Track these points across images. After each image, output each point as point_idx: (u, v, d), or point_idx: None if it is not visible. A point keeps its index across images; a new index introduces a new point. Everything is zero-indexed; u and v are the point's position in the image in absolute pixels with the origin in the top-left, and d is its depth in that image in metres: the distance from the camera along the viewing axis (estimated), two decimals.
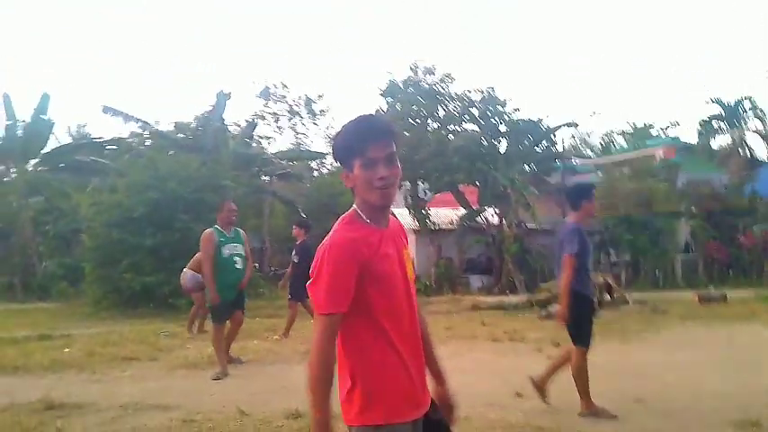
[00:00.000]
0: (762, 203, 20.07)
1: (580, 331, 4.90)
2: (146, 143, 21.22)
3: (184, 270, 9.39)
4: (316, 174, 31.35)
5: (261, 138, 26.16)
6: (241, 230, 7.09)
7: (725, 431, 4.32)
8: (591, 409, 4.77)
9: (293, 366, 6.59)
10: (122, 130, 24.82)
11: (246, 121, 25.20)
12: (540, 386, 5.09)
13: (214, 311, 6.60)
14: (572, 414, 4.81)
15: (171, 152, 19.14)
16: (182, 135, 21.34)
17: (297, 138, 27.81)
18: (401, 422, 1.96)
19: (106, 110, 20.03)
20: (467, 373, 6.20)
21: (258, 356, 7.57)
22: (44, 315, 13.35)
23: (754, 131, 23.21)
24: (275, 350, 7.99)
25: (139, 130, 21.71)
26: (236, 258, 6.65)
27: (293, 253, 9.33)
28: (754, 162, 22.05)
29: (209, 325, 8.38)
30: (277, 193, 23.22)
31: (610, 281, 13.58)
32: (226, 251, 6.56)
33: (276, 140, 30.46)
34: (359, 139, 1.93)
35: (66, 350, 8.08)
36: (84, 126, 36.98)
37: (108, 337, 9.00)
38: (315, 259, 1.94)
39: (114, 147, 21.63)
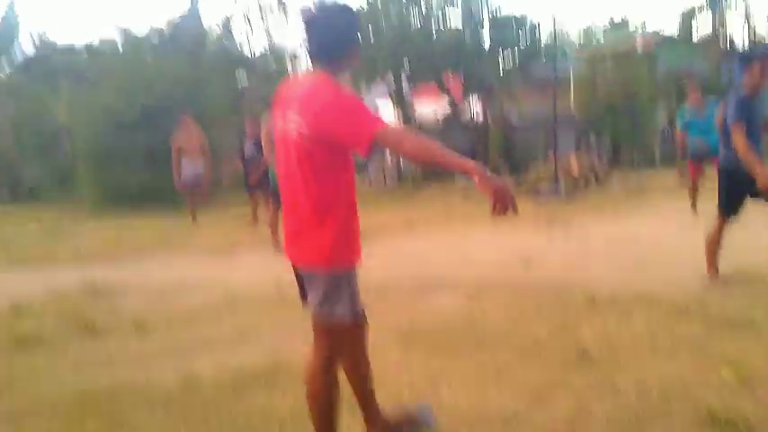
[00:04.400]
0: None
1: (722, 201, 4.76)
2: (119, 49, 20.60)
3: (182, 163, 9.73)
4: (290, 73, 30.68)
5: (238, 38, 25.38)
6: None
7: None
8: (711, 274, 4.79)
9: None
10: (90, 37, 23.90)
11: (219, 23, 24.41)
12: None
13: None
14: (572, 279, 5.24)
15: (149, 57, 18.67)
16: (157, 41, 20.70)
17: (269, 36, 27.00)
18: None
19: (75, 15, 19.20)
20: (476, 248, 6.64)
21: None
22: (43, 215, 13.48)
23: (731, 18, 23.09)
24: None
25: (110, 37, 21.00)
26: None
27: (248, 144, 9.16)
28: (732, 50, 22.10)
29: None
30: (257, 93, 22.86)
31: (594, 163, 14.03)
32: None
33: (252, 40, 29.66)
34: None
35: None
36: (46, 34, 35.24)
37: (120, 232, 9.29)
38: (340, 107, 2.05)
39: (85, 54, 21.06)
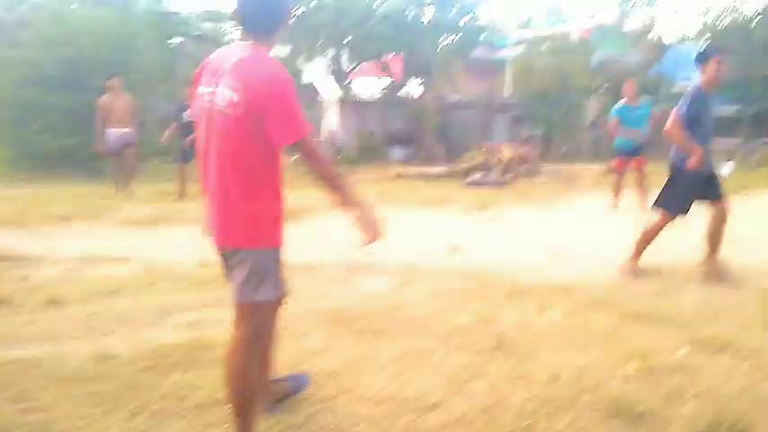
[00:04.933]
0: (664, 84, 21.26)
1: (671, 197, 4.84)
2: None
3: (107, 131, 9.25)
4: (228, 37, 29.78)
5: None
6: None
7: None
8: (633, 269, 4.93)
9: None
10: None
11: None
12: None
13: None
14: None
15: (73, 6, 17.63)
16: None
17: None
18: None
19: None
20: (405, 233, 6.68)
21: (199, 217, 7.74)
22: None
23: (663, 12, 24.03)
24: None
25: None
26: None
27: (182, 112, 8.78)
28: (662, 45, 23.01)
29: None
30: (193, 56, 22.08)
31: (526, 152, 14.35)
32: None
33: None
34: None
35: None
36: None
37: (36, 198, 8.81)
38: (277, 92, 2.06)
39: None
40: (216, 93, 2.11)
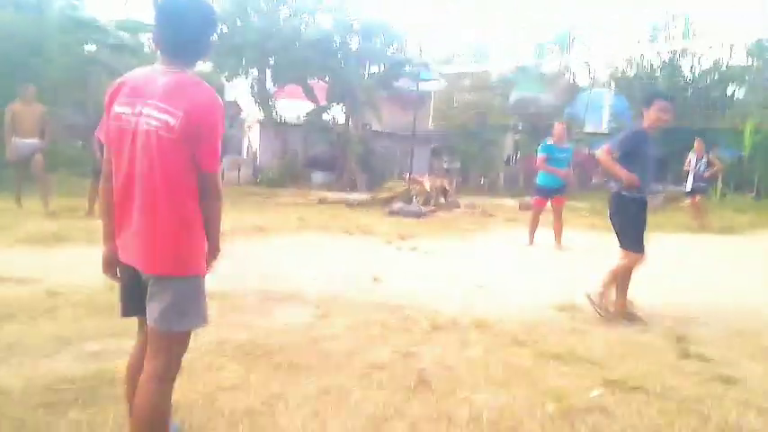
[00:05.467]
0: (575, 124, 22.40)
1: (630, 235, 4.88)
2: None
3: (15, 140, 8.59)
4: (147, 49, 28.90)
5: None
6: None
7: (549, 312, 5.13)
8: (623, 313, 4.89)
9: None
10: None
11: None
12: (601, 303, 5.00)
13: None
14: (425, 292, 5.38)
15: None
16: None
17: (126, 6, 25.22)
18: None
19: None
20: (327, 261, 6.60)
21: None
22: None
23: (576, 59, 25.41)
24: None
25: None
26: None
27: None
28: (575, 88, 24.27)
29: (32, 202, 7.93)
30: (108, 65, 21.23)
31: (445, 184, 14.62)
32: None
33: (108, 7, 27.44)
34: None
35: None
36: None
37: None
38: (212, 120, 2.07)
39: None
40: (142, 114, 2.05)
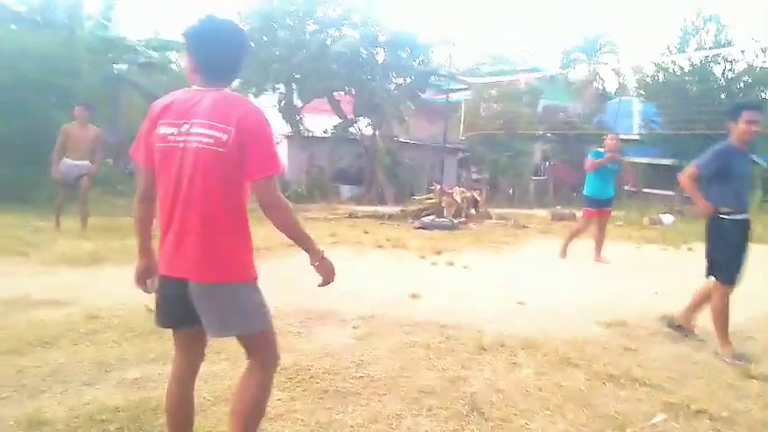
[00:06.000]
0: (608, 134, 22.07)
1: (722, 262, 4.41)
2: None
3: (64, 159, 8.61)
4: (175, 66, 29.29)
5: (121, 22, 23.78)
6: None
7: (597, 329, 4.94)
8: (728, 350, 4.35)
9: None
10: None
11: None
12: (683, 324, 4.80)
13: None
14: (472, 310, 5.23)
15: (13, 26, 16.93)
16: (25, 8, 18.80)
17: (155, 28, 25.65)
18: None
19: None
20: (362, 278, 6.47)
21: None
22: None
23: (605, 64, 25.10)
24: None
25: None
26: None
27: None
28: (604, 95, 23.96)
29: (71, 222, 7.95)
30: (137, 84, 21.56)
31: (476, 195, 14.44)
32: None
33: (137, 26, 27.92)
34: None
35: None
36: None
37: None
38: (264, 129, 2.16)
39: None
40: (190, 132, 2.14)
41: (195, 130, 2.13)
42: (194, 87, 2.24)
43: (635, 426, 3.14)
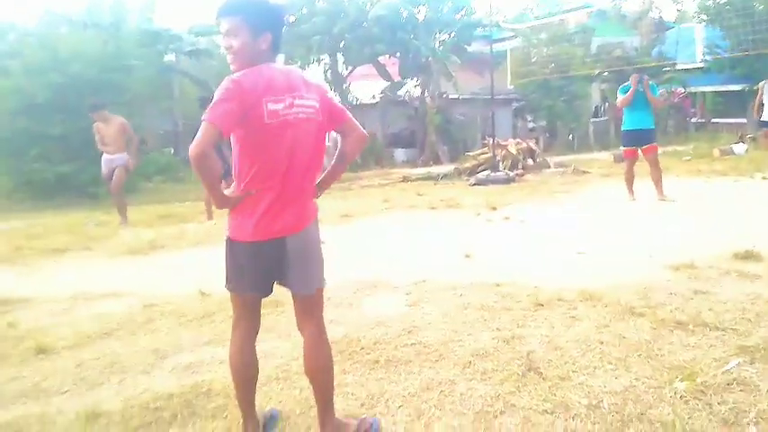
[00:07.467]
0: (669, 65, 20.86)
1: None
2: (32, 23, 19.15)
3: (103, 156, 8.85)
4: (223, 50, 29.61)
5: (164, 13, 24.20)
6: None
7: (664, 274, 4.67)
8: None
9: None
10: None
11: None
12: None
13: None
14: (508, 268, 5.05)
15: (62, 29, 17.48)
16: (74, 12, 19.36)
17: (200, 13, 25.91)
18: None
19: None
20: (415, 242, 6.37)
21: (198, 239, 7.40)
22: None
23: None
24: (212, 233, 7.81)
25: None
26: None
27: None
28: (662, 25, 22.61)
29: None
30: (187, 72, 21.96)
31: (532, 145, 14.00)
32: None
33: (181, 15, 28.33)
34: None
35: None
36: None
37: (31, 230, 8.51)
38: (329, 93, 2.52)
39: None
40: (294, 105, 2.30)
41: (298, 102, 2.31)
42: (269, 64, 2.32)
43: (707, 374, 2.92)
